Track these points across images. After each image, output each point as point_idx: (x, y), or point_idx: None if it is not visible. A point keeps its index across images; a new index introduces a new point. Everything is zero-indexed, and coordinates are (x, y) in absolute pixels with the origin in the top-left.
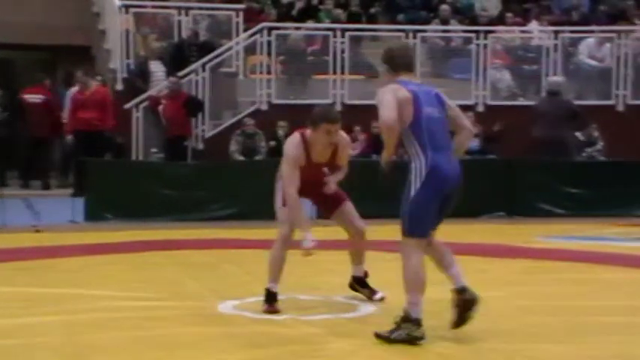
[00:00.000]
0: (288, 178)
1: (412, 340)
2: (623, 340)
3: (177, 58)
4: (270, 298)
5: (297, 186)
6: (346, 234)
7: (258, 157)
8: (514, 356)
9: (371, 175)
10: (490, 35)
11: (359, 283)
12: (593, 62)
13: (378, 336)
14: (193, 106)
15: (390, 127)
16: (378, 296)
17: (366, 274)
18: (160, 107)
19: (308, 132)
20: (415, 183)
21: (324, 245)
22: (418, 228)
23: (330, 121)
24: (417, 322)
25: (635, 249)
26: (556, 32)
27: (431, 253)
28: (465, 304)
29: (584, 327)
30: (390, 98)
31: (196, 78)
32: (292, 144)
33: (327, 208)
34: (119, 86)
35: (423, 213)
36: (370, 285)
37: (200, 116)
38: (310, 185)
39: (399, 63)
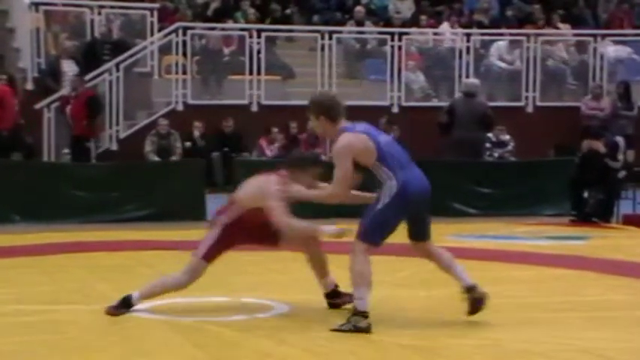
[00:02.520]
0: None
1: (358, 331)
2: (531, 334)
3: (90, 57)
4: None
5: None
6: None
7: (173, 158)
8: (423, 351)
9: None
10: (404, 37)
11: (334, 297)
12: (503, 64)
13: (333, 330)
14: (93, 106)
15: (337, 198)
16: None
17: (336, 286)
18: (68, 107)
19: (283, 174)
20: (384, 197)
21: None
22: (373, 237)
23: (319, 165)
24: (363, 315)
25: (543, 247)
26: (467, 35)
27: (432, 261)
28: (473, 302)
29: (493, 323)
30: (348, 166)
31: (110, 78)
32: (275, 183)
33: (273, 238)
34: (29, 86)
35: (384, 225)
36: (341, 291)
37: (114, 116)
38: (260, 227)
39: (336, 111)
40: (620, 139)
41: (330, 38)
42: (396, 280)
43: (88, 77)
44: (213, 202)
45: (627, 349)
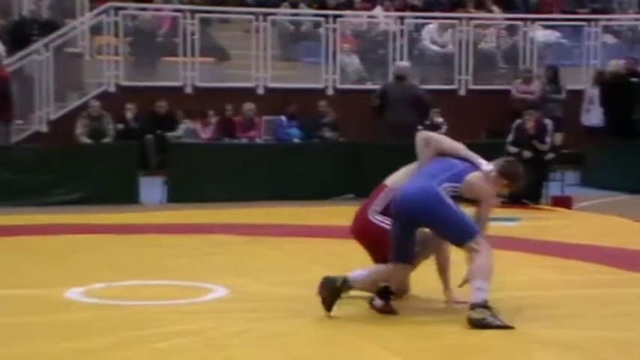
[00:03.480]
0: None
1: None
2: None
3: (18, 36)
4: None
5: None
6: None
7: (105, 140)
8: (360, 332)
9: (222, 159)
10: (339, 20)
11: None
12: (436, 48)
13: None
14: (6, 88)
15: None
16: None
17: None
18: None
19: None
20: None
21: (176, 229)
22: (398, 255)
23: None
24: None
25: None
26: (401, 18)
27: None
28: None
29: (428, 305)
30: None
31: (39, 58)
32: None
33: None
34: None
35: (394, 242)
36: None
37: (44, 98)
38: None
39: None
40: (548, 122)
41: (265, 20)
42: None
43: (15, 57)
44: (147, 185)
45: (557, 327)
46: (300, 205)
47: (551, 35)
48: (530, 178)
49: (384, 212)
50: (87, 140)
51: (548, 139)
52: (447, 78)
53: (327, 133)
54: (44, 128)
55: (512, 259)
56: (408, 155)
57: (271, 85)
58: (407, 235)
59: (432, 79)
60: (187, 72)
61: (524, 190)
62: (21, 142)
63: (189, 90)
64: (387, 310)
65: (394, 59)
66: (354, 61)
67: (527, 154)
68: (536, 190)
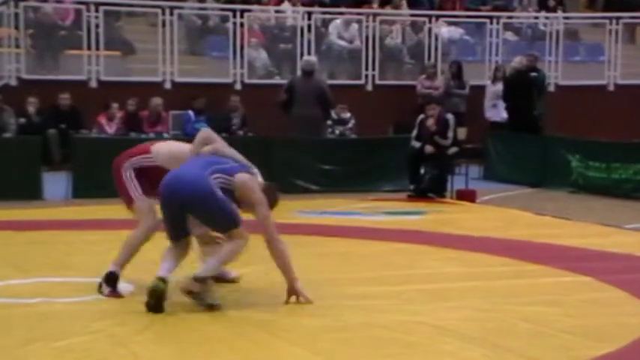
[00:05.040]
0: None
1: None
2: (372, 307)
3: None
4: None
5: None
6: None
7: (7, 135)
8: (272, 328)
9: None
10: (246, 14)
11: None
12: (342, 43)
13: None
14: None
15: None
16: (233, 275)
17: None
18: None
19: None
20: None
21: (81, 225)
22: (174, 235)
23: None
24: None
25: (380, 223)
26: (309, 13)
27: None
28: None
29: (333, 298)
30: None
31: None
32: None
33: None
34: None
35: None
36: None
37: None
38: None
39: None
40: (450, 117)
41: (172, 14)
42: None
43: None
44: (50, 180)
45: (461, 318)
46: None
47: (455, 32)
48: (435, 173)
49: (137, 173)
50: None
51: (450, 134)
52: (354, 73)
53: (234, 126)
54: None
55: (417, 252)
56: (315, 149)
57: (178, 79)
58: (178, 218)
59: (339, 74)
60: (92, 66)
61: (429, 184)
62: None
63: (93, 84)
64: (115, 296)
65: (302, 54)
66: (261, 56)
67: (429, 148)
68: (441, 184)
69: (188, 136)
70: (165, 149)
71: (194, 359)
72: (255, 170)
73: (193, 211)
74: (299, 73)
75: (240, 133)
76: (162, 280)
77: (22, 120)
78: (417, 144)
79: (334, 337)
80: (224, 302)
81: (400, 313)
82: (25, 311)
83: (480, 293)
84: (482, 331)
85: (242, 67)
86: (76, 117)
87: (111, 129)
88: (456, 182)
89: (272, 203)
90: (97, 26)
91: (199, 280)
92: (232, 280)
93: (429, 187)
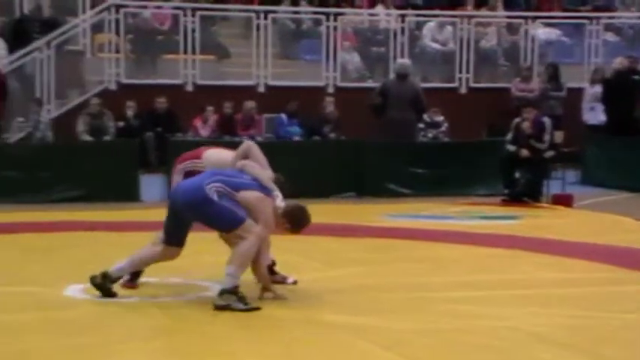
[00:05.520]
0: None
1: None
2: (464, 313)
3: (19, 34)
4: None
5: None
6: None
7: (106, 138)
8: (362, 332)
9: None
10: (339, 17)
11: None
12: (436, 45)
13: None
14: (4, 87)
15: None
16: (290, 281)
17: (273, 263)
18: None
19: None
20: None
21: None
22: (169, 238)
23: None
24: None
25: (474, 227)
26: (402, 16)
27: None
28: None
29: (425, 303)
30: None
31: (40, 56)
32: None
33: None
34: None
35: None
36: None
37: (46, 95)
38: None
39: None
40: (546, 120)
41: (266, 18)
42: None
43: (17, 55)
44: (147, 182)
45: (557, 325)
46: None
47: (552, 33)
48: (530, 177)
49: (186, 177)
50: (88, 138)
51: (546, 138)
52: (447, 76)
53: (327, 129)
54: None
55: (511, 257)
56: (407, 152)
57: (272, 83)
58: (178, 224)
59: (432, 77)
60: (188, 70)
61: (524, 188)
62: (22, 139)
63: (189, 88)
64: (130, 286)
65: (395, 57)
66: (354, 59)
67: (524, 152)
68: (537, 189)
69: (281, 140)
70: (215, 157)
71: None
72: (277, 193)
73: (194, 218)
74: (392, 76)
75: (333, 136)
76: (104, 275)
77: (121, 123)
78: (512, 147)
79: (425, 342)
80: (308, 306)
81: (493, 318)
82: (122, 309)
83: (577, 300)
84: (579, 339)
85: (335, 70)
86: (172, 120)
87: (205, 132)
88: (552, 186)
89: (300, 225)
90: (193, 31)
91: (226, 292)
92: (293, 283)
93: (524, 192)
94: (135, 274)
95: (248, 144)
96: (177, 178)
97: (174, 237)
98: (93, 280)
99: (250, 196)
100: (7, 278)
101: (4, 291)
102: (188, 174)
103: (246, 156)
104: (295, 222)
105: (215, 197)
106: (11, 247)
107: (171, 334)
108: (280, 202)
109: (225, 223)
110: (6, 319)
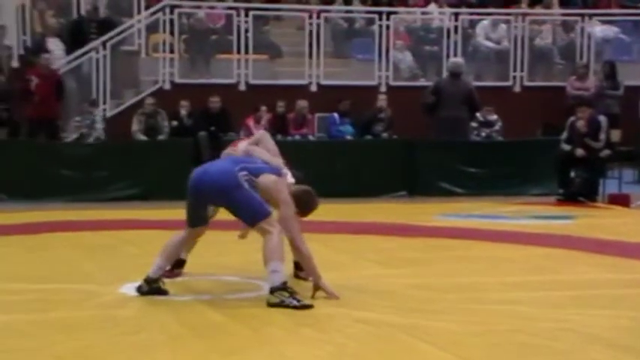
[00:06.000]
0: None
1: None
2: (518, 313)
3: (76, 35)
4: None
5: None
6: None
7: (160, 137)
8: (415, 331)
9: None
10: (392, 16)
11: (297, 267)
12: (490, 44)
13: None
14: (61, 88)
15: None
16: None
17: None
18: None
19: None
20: None
21: (231, 225)
22: (192, 221)
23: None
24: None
25: (528, 227)
26: (455, 14)
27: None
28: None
29: (478, 303)
30: None
31: (96, 56)
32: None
33: None
34: (15, 63)
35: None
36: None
37: (101, 95)
38: None
39: None
40: (602, 119)
41: (318, 17)
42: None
43: (73, 56)
44: None
45: (614, 327)
46: (352, 202)
47: (610, 30)
48: (585, 176)
49: None
50: (142, 137)
51: (602, 136)
52: (501, 74)
53: (379, 128)
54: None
55: (566, 257)
56: (460, 151)
57: (324, 82)
58: (200, 207)
59: (486, 76)
60: (241, 69)
61: (580, 188)
62: (79, 138)
63: (242, 87)
64: (172, 275)
65: (448, 55)
66: (407, 58)
67: (579, 152)
68: (592, 188)
69: (333, 139)
70: (242, 146)
71: (340, 358)
72: (286, 171)
73: (220, 203)
74: (445, 75)
75: (385, 135)
76: (147, 281)
77: (175, 123)
78: (567, 147)
79: (479, 342)
80: (361, 305)
81: (549, 319)
82: (176, 307)
83: (634, 301)
84: (637, 341)
85: (387, 69)
86: (225, 119)
87: (257, 131)
88: (609, 186)
89: (308, 208)
90: (246, 31)
91: (277, 289)
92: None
93: (580, 191)
94: (177, 264)
95: (261, 133)
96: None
97: (199, 219)
98: (140, 291)
99: (267, 179)
100: (64, 276)
101: (61, 288)
102: None
103: (257, 144)
104: (303, 205)
105: (246, 185)
106: (68, 245)
107: (225, 332)
108: (290, 178)
109: (252, 213)
110: (62, 316)
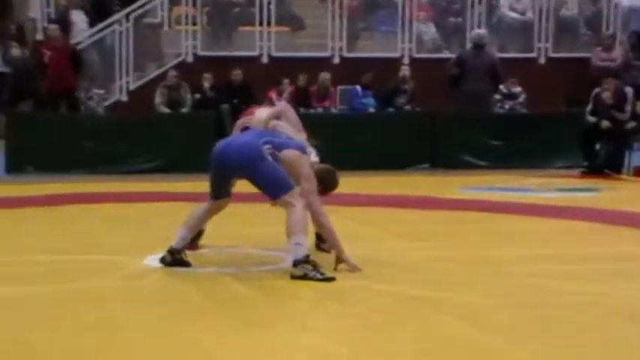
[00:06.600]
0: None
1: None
2: (542, 286)
3: (99, 7)
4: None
5: None
6: None
7: (183, 110)
8: (438, 304)
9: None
10: None
11: (319, 239)
12: (514, 15)
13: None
14: (78, 59)
15: None
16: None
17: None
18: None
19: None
20: None
21: (252, 198)
22: (215, 194)
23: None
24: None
25: (552, 200)
26: None
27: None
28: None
29: (502, 276)
30: None
31: (120, 28)
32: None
33: None
34: (39, 36)
35: (212, 183)
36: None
37: (124, 68)
38: None
39: None
40: (629, 90)
41: None
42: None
43: (97, 28)
44: None
45: (637, 300)
46: (374, 175)
47: (637, 0)
48: (610, 148)
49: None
50: (165, 110)
51: (628, 108)
52: (526, 46)
53: (402, 100)
54: (124, 98)
55: (591, 230)
56: (484, 124)
57: (347, 54)
58: (224, 180)
59: (510, 47)
60: (263, 42)
61: (605, 160)
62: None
63: (265, 59)
64: (192, 248)
65: (471, 27)
66: (430, 30)
67: (605, 124)
68: (618, 160)
69: (355, 111)
70: (261, 114)
71: (363, 330)
72: (310, 150)
73: (244, 176)
74: (468, 46)
75: (407, 107)
76: (170, 252)
77: (197, 95)
78: (592, 119)
79: (503, 315)
80: (383, 278)
81: (572, 293)
82: (199, 279)
83: None
84: None
85: (410, 41)
86: (247, 92)
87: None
88: (634, 158)
89: (329, 186)
90: (268, 3)
91: (300, 262)
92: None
93: (605, 164)
94: (195, 236)
95: (283, 105)
96: (235, 132)
97: (222, 192)
98: (164, 262)
99: (291, 154)
100: (87, 247)
101: (84, 259)
102: (244, 129)
103: (279, 117)
104: (324, 183)
105: (270, 158)
106: (91, 217)
107: (248, 304)
108: (314, 157)
109: (276, 186)
110: (87, 286)
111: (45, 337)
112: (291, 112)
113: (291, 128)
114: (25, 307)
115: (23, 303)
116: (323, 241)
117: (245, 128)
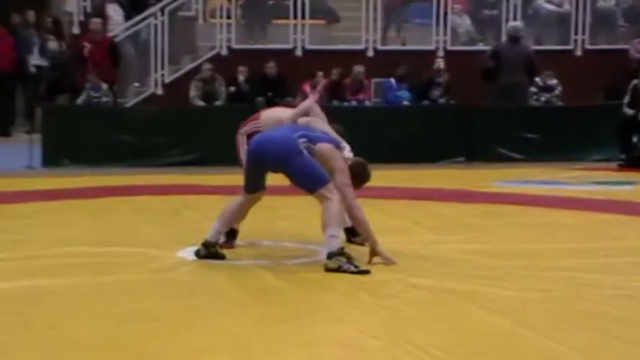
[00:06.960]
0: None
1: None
2: (578, 280)
3: (135, 1)
4: (231, 235)
5: None
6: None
7: (217, 103)
8: (472, 298)
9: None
10: None
11: (350, 233)
12: (551, 7)
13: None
14: (116, 52)
15: None
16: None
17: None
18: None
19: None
20: None
21: (280, 190)
22: (249, 187)
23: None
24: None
25: (588, 193)
26: None
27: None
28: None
29: (537, 270)
30: None
31: (155, 22)
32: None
33: None
34: (76, 29)
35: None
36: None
37: (159, 61)
38: None
39: None
40: None
41: None
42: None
43: (132, 21)
44: None
45: None
46: (409, 168)
47: None
48: None
49: (248, 139)
50: (200, 103)
51: None
52: (562, 38)
53: (436, 93)
54: (159, 91)
55: (628, 224)
56: (519, 116)
57: (381, 47)
58: (259, 174)
59: (546, 40)
60: (297, 34)
61: None
62: (138, 104)
63: (299, 52)
64: (228, 247)
65: (507, 19)
66: (465, 22)
67: None
68: None
69: (390, 104)
70: (272, 116)
71: (397, 323)
72: (344, 145)
73: (281, 170)
74: (504, 39)
75: (442, 100)
76: (205, 245)
77: (232, 88)
78: (629, 111)
79: (538, 308)
80: (418, 271)
81: (609, 286)
82: (234, 272)
83: None
84: None
85: (445, 33)
86: (281, 85)
87: (313, 96)
88: None
89: (361, 179)
90: None
91: (334, 255)
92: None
93: None
94: (231, 234)
95: (310, 102)
96: (240, 140)
97: (257, 185)
98: (198, 255)
99: (325, 147)
100: (123, 239)
101: (122, 252)
102: (250, 136)
103: (307, 114)
104: (356, 177)
105: (305, 152)
106: (126, 209)
107: (283, 297)
108: (348, 152)
109: (312, 179)
110: (124, 279)
111: (83, 329)
112: (317, 108)
113: (326, 124)
114: (63, 299)
115: (62, 296)
116: (353, 234)
117: (251, 135)
